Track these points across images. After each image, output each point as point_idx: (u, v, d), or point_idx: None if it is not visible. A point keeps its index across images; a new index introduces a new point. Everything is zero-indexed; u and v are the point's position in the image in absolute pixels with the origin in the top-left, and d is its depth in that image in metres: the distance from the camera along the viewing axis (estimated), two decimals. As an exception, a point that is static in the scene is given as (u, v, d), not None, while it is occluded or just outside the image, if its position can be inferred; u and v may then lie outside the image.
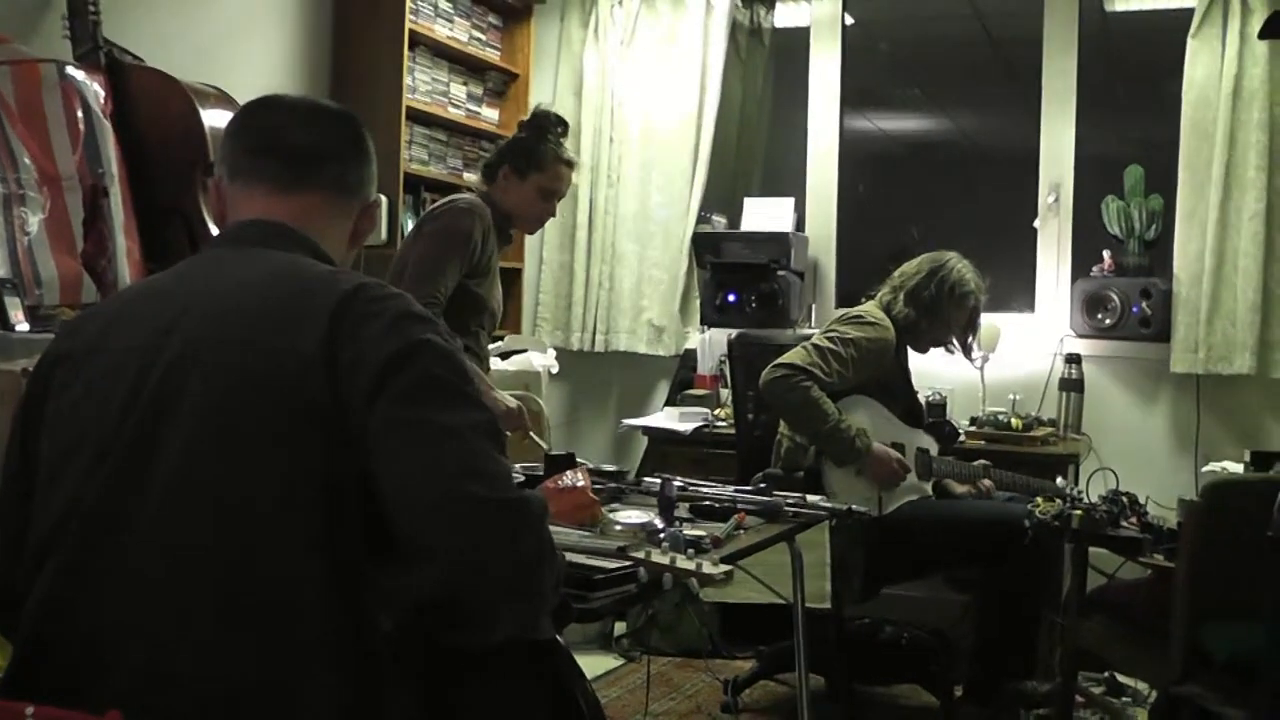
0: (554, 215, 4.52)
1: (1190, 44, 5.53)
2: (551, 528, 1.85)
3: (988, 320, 5.16)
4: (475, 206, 4.24)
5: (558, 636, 2.03)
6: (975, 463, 4.80)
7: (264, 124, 2.12)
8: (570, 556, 2.42)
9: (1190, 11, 5.57)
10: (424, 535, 1.74)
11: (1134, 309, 5.58)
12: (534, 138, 4.34)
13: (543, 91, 6.52)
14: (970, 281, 4.74)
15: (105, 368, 1.89)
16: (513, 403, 4.18)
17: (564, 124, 4.41)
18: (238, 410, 1.79)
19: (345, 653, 1.75)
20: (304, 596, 1.74)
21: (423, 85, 5.84)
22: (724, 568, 2.43)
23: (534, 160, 4.30)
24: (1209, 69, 5.50)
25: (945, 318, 4.73)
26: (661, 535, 2.75)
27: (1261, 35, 4.25)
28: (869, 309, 4.71)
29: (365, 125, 2.21)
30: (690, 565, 2.41)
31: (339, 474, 1.76)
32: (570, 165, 4.39)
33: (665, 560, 2.42)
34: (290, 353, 1.80)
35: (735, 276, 6.09)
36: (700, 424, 5.70)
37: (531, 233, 4.46)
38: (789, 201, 6.28)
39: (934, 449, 4.71)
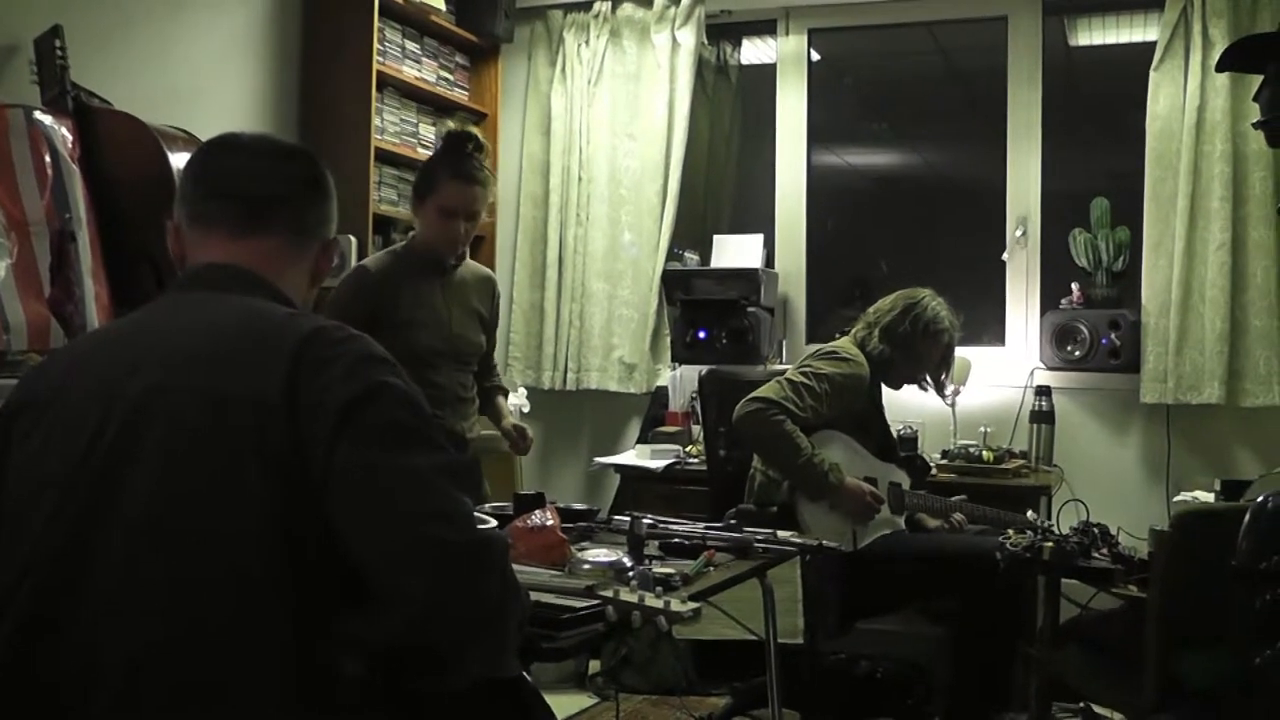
0: (460, 235, 4.22)
1: (1153, 77, 5.58)
2: (520, 567, 1.85)
3: (958, 354, 5.18)
4: (357, 271, 4.22)
5: (525, 674, 2.03)
6: (955, 498, 4.80)
7: (220, 167, 2.12)
8: (538, 596, 2.42)
9: (1152, 45, 5.64)
10: (387, 578, 1.74)
11: (1103, 340, 5.61)
12: (433, 159, 4.29)
13: (511, 131, 6.56)
14: (944, 319, 4.75)
15: (65, 416, 1.88)
16: None
17: (472, 140, 4.20)
18: (199, 456, 1.78)
19: (311, 696, 1.74)
20: (269, 641, 1.73)
21: (391, 126, 5.85)
22: (692, 605, 2.42)
23: (429, 182, 4.17)
24: (1172, 101, 5.55)
25: (919, 354, 4.74)
26: (630, 573, 2.74)
27: (1218, 68, 4.27)
28: (843, 345, 4.71)
29: (326, 162, 2.21)
30: (658, 603, 2.40)
31: (301, 517, 1.76)
32: (468, 179, 4.14)
33: (633, 598, 2.41)
34: (250, 398, 1.80)
35: (705, 313, 6.10)
36: (672, 461, 5.69)
37: (448, 257, 4.29)
38: (758, 238, 6.30)
39: (906, 483, 4.71)
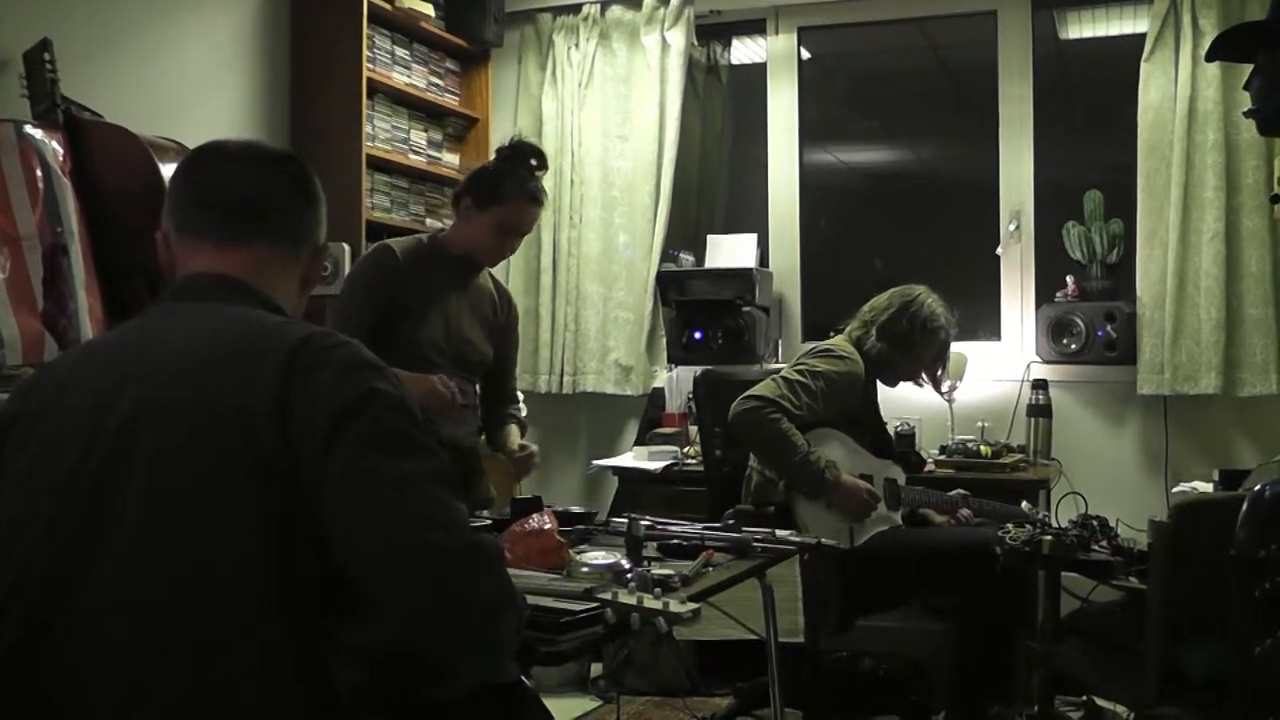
0: (514, 251, 4.32)
1: (1144, 68, 5.59)
2: (519, 571, 1.85)
3: (954, 349, 5.17)
4: (383, 250, 4.10)
5: (524, 679, 2.02)
6: (953, 492, 4.80)
7: (207, 176, 2.11)
8: (537, 600, 2.42)
9: (1143, 36, 5.64)
10: (381, 586, 1.74)
11: (1099, 333, 5.61)
12: (501, 168, 4.15)
13: (502, 135, 6.48)
14: (941, 316, 4.75)
15: (57, 429, 1.88)
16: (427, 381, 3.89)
17: (539, 157, 4.17)
18: (190, 466, 1.78)
19: (310, 708, 1.74)
20: (266, 654, 1.73)
21: (382, 133, 5.84)
22: (691, 606, 2.42)
23: (495, 192, 4.08)
24: (1163, 92, 5.55)
25: (917, 352, 4.74)
26: (629, 575, 2.74)
27: (1208, 57, 4.28)
28: (838, 343, 4.71)
29: (316, 170, 2.20)
30: (657, 604, 2.40)
31: (294, 525, 1.75)
32: (535, 202, 4.14)
33: (632, 600, 2.41)
34: (241, 408, 1.79)
35: (700, 314, 6.10)
36: (670, 462, 5.69)
37: (492, 265, 4.30)
38: (752, 237, 6.30)
39: (902, 479, 4.72)
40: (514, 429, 4.39)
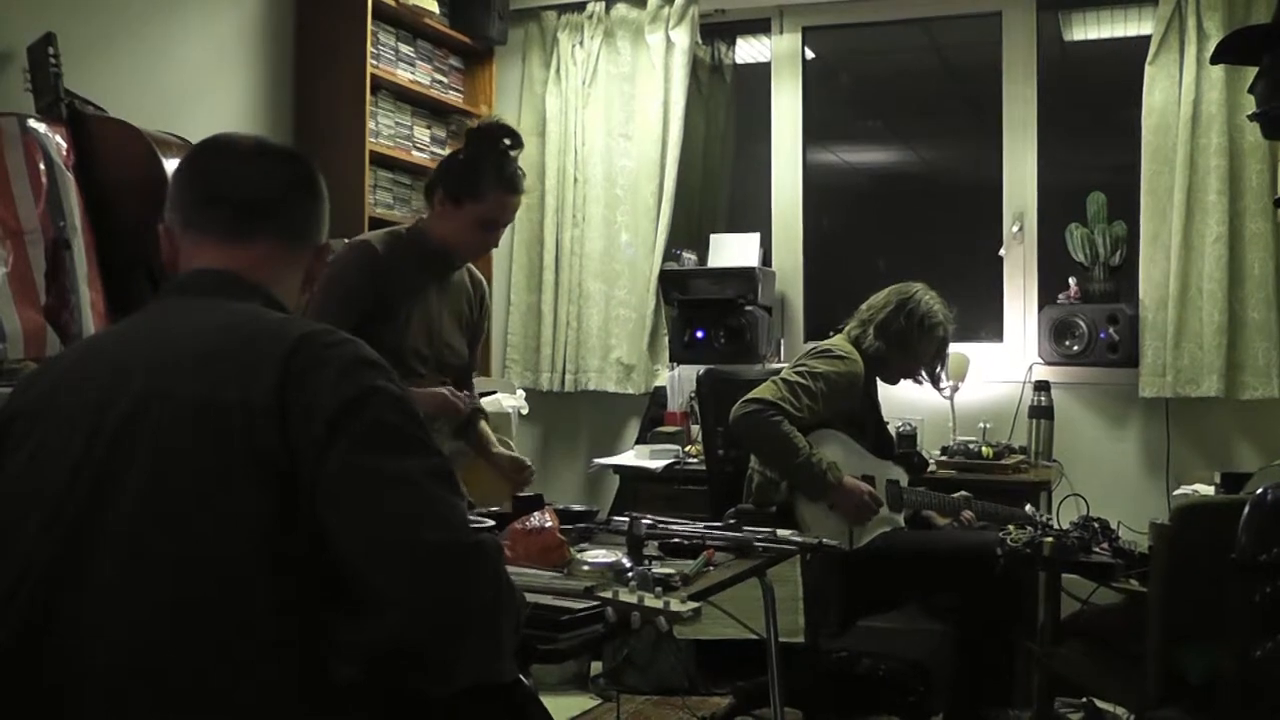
0: (496, 245, 4.08)
1: (1148, 71, 5.58)
2: (519, 569, 1.84)
3: (956, 350, 5.17)
4: (365, 249, 3.84)
5: (522, 678, 2.02)
6: (957, 494, 4.79)
7: (212, 171, 2.11)
8: (538, 598, 2.41)
9: (1147, 39, 5.64)
10: (379, 583, 1.73)
11: (1101, 335, 5.61)
12: (473, 156, 3.83)
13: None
14: (938, 312, 4.74)
15: (57, 425, 1.87)
16: (437, 391, 3.80)
17: (512, 137, 3.83)
18: (189, 462, 1.77)
19: (309, 704, 1.74)
20: (265, 650, 1.72)
21: (386, 129, 5.84)
22: (692, 605, 2.41)
23: (470, 186, 3.78)
24: (1167, 95, 5.55)
25: (915, 349, 4.73)
26: (629, 574, 2.74)
27: (1213, 60, 4.28)
28: (837, 342, 4.71)
29: (320, 166, 2.20)
30: (658, 603, 2.39)
31: (293, 522, 1.75)
32: (515, 190, 3.83)
33: (633, 599, 2.41)
34: (241, 404, 1.79)
35: (703, 313, 6.11)
36: (671, 461, 5.69)
37: (473, 261, 4.11)
38: (755, 237, 6.30)
39: (904, 480, 4.71)
40: (485, 427, 4.15)
